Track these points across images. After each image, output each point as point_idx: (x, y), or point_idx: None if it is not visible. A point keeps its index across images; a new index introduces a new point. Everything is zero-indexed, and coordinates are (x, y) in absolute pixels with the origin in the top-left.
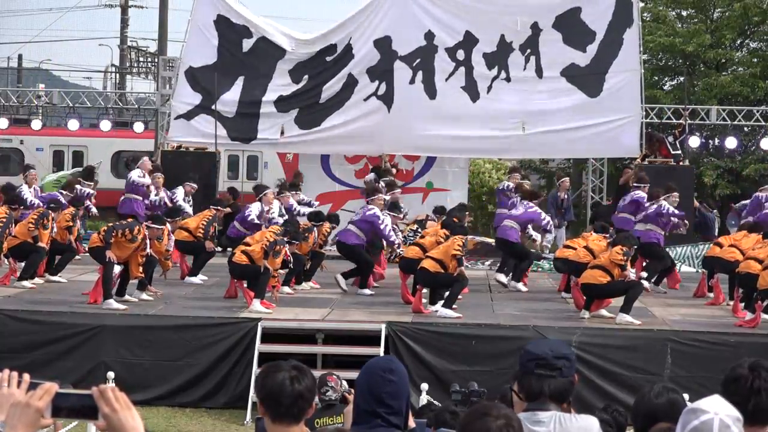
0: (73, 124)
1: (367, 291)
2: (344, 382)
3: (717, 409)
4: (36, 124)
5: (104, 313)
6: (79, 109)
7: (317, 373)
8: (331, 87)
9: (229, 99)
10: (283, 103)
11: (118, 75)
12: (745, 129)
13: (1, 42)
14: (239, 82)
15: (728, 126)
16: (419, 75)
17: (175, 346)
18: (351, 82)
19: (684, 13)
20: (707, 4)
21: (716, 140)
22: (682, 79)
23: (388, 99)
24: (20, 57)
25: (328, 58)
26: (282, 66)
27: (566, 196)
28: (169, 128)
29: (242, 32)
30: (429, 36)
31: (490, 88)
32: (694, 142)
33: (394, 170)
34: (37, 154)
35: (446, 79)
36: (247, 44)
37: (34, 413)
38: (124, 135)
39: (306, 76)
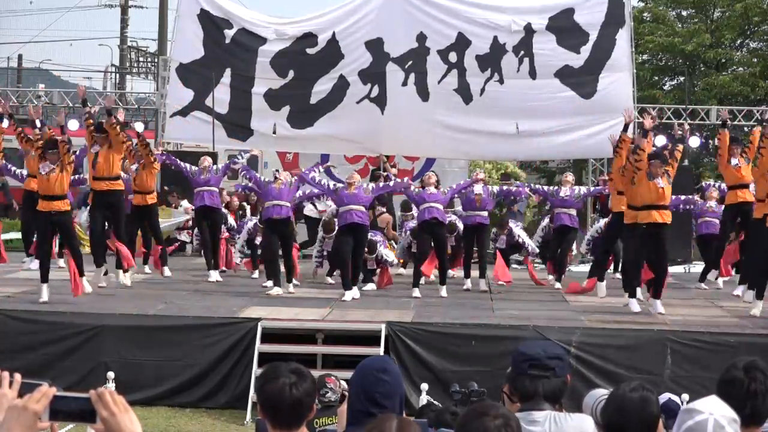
0: (73, 124)
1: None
2: (343, 383)
3: (712, 409)
4: (36, 124)
5: (104, 313)
6: (79, 109)
7: (317, 374)
8: (322, 88)
9: (221, 94)
10: (273, 99)
11: (118, 75)
12: (745, 129)
13: (1, 42)
14: (227, 74)
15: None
16: (412, 77)
17: (175, 346)
18: (342, 84)
19: (684, 13)
20: (707, 4)
21: (716, 140)
22: (682, 79)
23: (381, 101)
24: (20, 57)
25: (310, 51)
26: (264, 54)
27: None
28: (166, 127)
29: (223, 24)
30: (421, 38)
31: (483, 90)
32: (694, 142)
33: (394, 170)
34: None
35: (439, 82)
36: (228, 35)
37: (31, 417)
38: None
39: (291, 71)
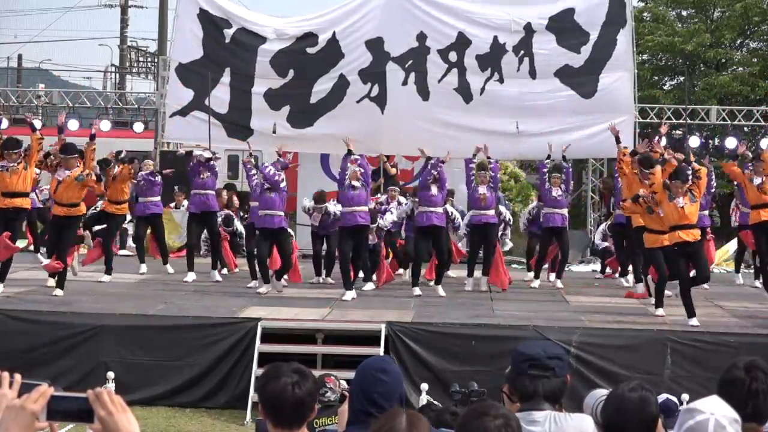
0: (73, 124)
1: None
2: (343, 383)
3: (713, 409)
4: (36, 124)
5: (104, 313)
6: (79, 109)
7: (317, 374)
8: (322, 87)
9: (221, 93)
10: (273, 98)
11: (117, 75)
12: (745, 129)
13: (1, 42)
14: (227, 74)
15: (728, 126)
16: (412, 76)
17: (175, 346)
18: (342, 84)
19: (684, 13)
20: (707, 4)
21: (716, 140)
22: (682, 79)
23: (381, 101)
24: (20, 57)
25: (310, 50)
26: (263, 53)
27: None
28: (166, 127)
29: (222, 24)
30: (421, 37)
31: (483, 89)
32: (694, 142)
33: (394, 170)
34: None
35: (439, 81)
36: (228, 35)
37: (29, 416)
38: (123, 135)
39: (291, 71)
